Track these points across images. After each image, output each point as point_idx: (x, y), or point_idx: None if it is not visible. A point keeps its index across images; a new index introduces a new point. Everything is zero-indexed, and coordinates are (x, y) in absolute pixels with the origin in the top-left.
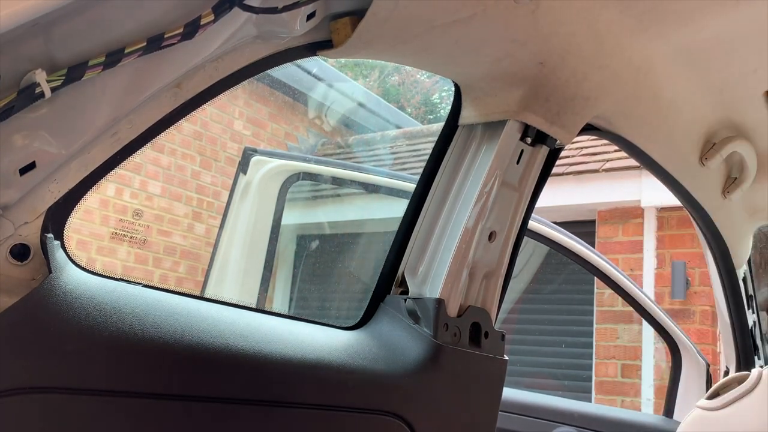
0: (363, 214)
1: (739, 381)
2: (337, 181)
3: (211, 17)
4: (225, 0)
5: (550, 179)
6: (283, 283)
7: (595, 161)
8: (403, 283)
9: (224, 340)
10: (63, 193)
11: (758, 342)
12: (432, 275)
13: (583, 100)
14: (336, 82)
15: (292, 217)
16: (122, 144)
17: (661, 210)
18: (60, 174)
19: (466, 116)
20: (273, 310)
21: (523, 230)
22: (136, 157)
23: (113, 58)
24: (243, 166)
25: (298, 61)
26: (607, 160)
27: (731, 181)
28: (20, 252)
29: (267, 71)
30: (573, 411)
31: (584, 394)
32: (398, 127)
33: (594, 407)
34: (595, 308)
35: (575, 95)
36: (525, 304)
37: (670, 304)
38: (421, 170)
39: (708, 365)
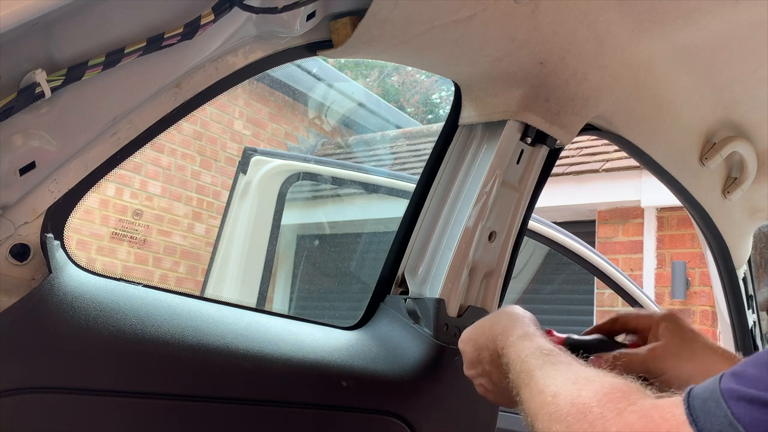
0: (363, 214)
1: None
2: (337, 181)
3: (211, 17)
4: (225, 0)
5: (550, 179)
6: (283, 283)
7: (595, 161)
8: (403, 283)
9: (224, 340)
10: (63, 193)
11: (758, 342)
12: (432, 275)
13: (583, 100)
14: (336, 82)
15: (292, 217)
16: (122, 144)
17: (661, 210)
18: (60, 174)
19: (466, 116)
20: (273, 310)
21: (523, 230)
22: (136, 157)
23: (113, 58)
24: (243, 166)
25: (298, 61)
26: (607, 160)
27: (731, 181)
28: (20, 252)
29: (267, 71)
30: None
31: None
32: (398, 127)
33: None
34: (595, 308)
35: (575, 95)
36: (525, 304)
37: (670, 304)
38: (421, 170)
39: None
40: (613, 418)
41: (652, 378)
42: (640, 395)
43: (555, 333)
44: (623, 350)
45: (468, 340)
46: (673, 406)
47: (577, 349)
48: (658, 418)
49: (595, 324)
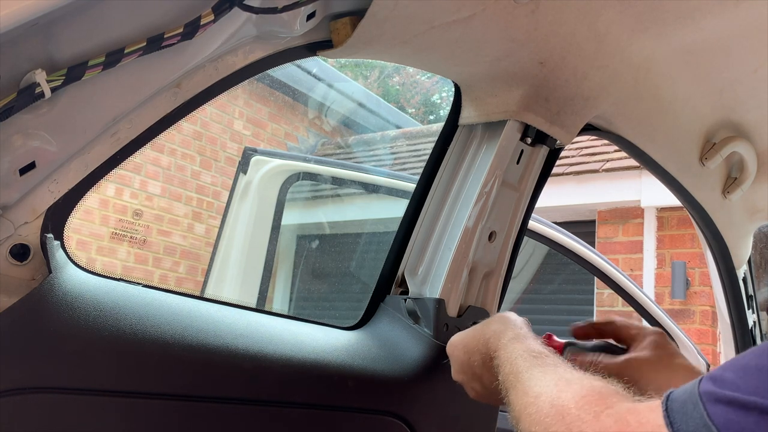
0: (363, 214)
1: None
2: (337, 181)
3: (211, 17)
4: (225, 0)
5: (550, 179)
6: (283, 283)
7: (595, 161)
8: (403, 283)
9: (224, 340)
10: (63, 193)
11: (758, 342)
12: (432, 275)
13: (583, 100)
14: (336, 82)
15: (292, 217)
16: (122, 144)
17: (661, 210)
18: (60, 174)
19: (466, 116)
20: (273, 310)
21: (523, 230)
22: (136, 157)
23: (113, 58)
24: (243, 166)
25: (298, 61)
26: (607, 160)
27: (731, 181)
28: (20, 252)
29: (267, 71)
30: None
31: None
32: (398, 127)
33: None
34: (595, 308)
35: (575, 95)
36: (525, 304)
37: (670, 304)
38: (421, 170)
39: (708, 365)
40: (589, 421)
41: (627, 385)
42: (618, 398)
43: (555, 338)
44: (602, 355)
45: (458, 344)
46: (649, 410)
47: None
48: (634, 422)
49: (590, 321)
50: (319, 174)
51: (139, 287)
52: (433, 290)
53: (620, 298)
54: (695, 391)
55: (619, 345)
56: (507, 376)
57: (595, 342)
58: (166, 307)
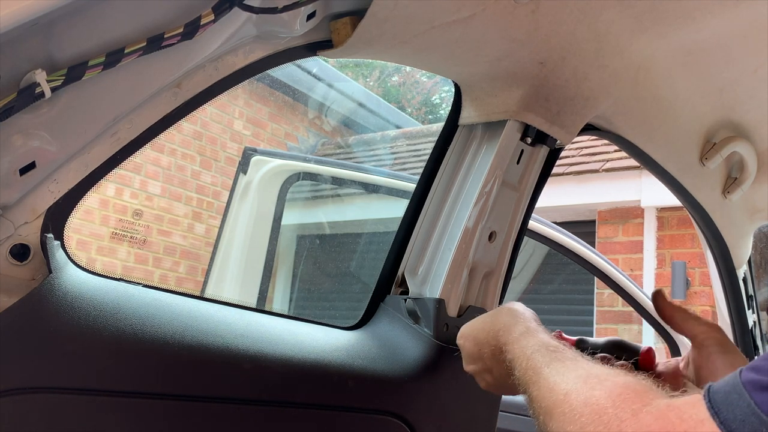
0: (363, 214)
1: None
2: (337, 181)
3: (211, 17)
4: (225, 0)
5: (550, 179)
6: (283, 283)
7: (595, 161)
8: (403, 283)
9: (224, 340)
10: (63, 193)
11: (758, 342)
12: (432, 275)
13: (583, 100)
14: (336, 82)
15: (292, 217)
16: (122, 144)
17: (661, 210)
18: (60, 174)
19: (466, 116)
20: (273, 310)
21: (523, 230)
22: (136, 157)
23: (113, 58)
24: (243, 166)
25: (298, 61)
26: (607, 160)
27: (731, 181)
28: (20, 252)
29: (267, 71)
30: None
31: None
32: (398, 127)
33: None
34: (595, 308)
35: (575, 95)
36: (525, 304)
37: None
38: (421, 170)
39: None
40: (628, 420)
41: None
42: (654, 395)
43: (565, 336)
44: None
45: (467, 335)
46: (689, 406)
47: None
48: (675, 418)
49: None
50: (319, 174)
51: (139, 287)
52: (433, 290)
53: (620, 298)
54: (737, 381)
55: (632, 344)
56: (525, 371)
57: (607, 339)
58: (166, 307)
